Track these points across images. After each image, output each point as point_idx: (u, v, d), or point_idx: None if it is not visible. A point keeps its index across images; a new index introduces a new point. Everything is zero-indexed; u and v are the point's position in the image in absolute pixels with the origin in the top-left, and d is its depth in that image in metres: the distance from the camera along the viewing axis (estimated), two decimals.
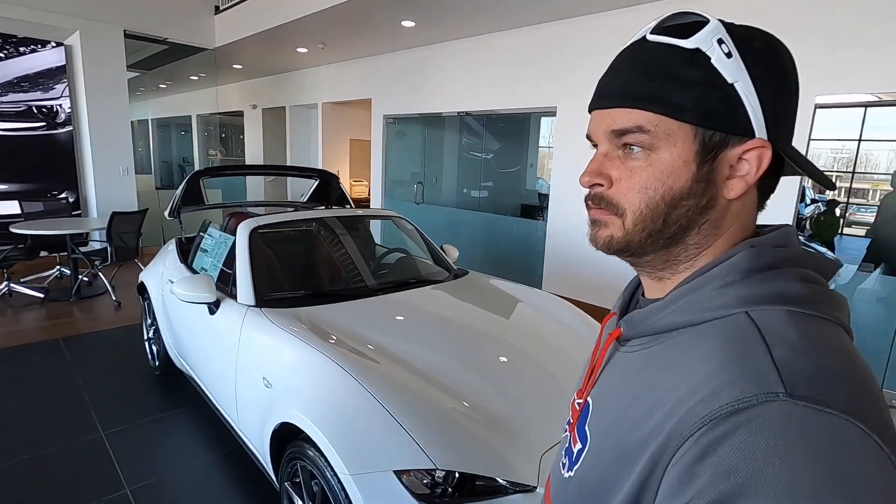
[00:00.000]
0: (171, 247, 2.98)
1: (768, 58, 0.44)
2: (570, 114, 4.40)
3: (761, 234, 0.47)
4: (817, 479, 0.32)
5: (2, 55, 4.97)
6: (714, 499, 0.34)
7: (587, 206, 0.50)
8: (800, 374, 0.36)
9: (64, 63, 5.33)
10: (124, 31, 5.59)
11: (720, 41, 0.43)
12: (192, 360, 2.44)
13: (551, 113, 4.61)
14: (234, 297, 2.10)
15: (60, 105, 5.35)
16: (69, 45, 5.39)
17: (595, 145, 0.49)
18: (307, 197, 3.75)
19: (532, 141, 6.31)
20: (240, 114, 10.15)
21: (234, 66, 7.81)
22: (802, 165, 0.45)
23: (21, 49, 5.08)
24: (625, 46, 0.48)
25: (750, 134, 0.43)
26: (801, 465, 0.32)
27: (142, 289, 3.14)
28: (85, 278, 4.57)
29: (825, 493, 0.31)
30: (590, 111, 0.50)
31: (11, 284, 4.27)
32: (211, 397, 2.25)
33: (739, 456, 0.34)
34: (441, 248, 2.76)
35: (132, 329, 3.79)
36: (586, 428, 0.51)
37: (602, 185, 0.48)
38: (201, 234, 2.65)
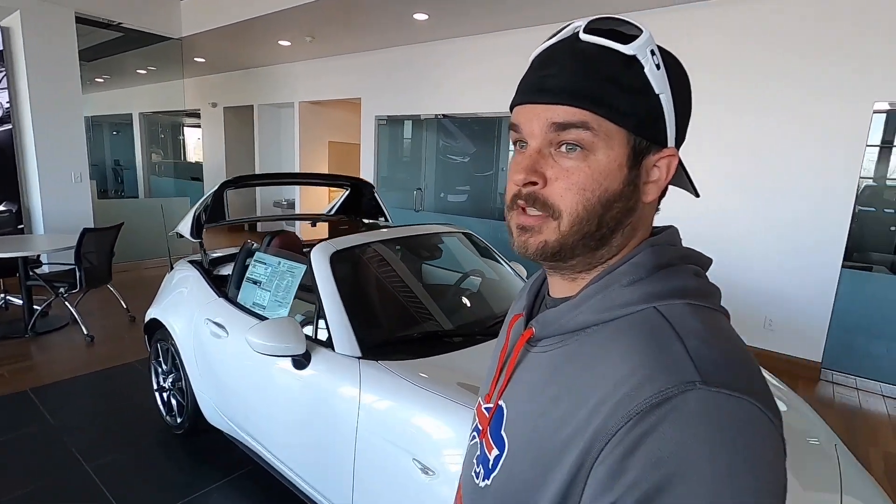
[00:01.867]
0: (190, 273, 2.41)
1: (681, 75, 0.48)
2: None
3: (653, 234, 0.51)
4: (733, 460, 0.36)
5: None
6: (646, 490, 0.36)
7: (514, 208, 0.49)
8: (710, 362, 0.40)
9: (0, 48, 4.43)
10: (76, 13, 4.76)
11: (652, 52, 0.45)
12: (253, 425, 1.92)
13: None
14: (325, 345, 1.65)
15: None
16: (6, 27, 4.49)
17: (519, 141, 0.49)
18: (335, 209, 3.26)
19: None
20: (181, 113, 9.19)
21: (196, 59, 7.00)
22: (686, 173, 0.52)
23: None
24: (551, 42, 0.48)
25: (665, 143, 0.47)
26: (719, 448, 0.36)
27: (150, 327, 2.53)
28: (36, 307, 3.77)
29: (739, 471, 0.36)
30: (516, 105, 0.49)
31: None
32: (295, 476, 1.76)
33: (668, 445, 0.37)
34: (510, 266, 2.40)
35: (118, 373, 3.12)
36: (502, 433, 0.51)
37: (536, 184, 0.47)
38: (250, 260, 2.13)
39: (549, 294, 0.55)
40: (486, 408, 0.57)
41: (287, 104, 7.40)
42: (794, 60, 3.28)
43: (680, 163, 0.49)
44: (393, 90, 5.76)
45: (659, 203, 0.51)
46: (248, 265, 2.14)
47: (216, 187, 2.42)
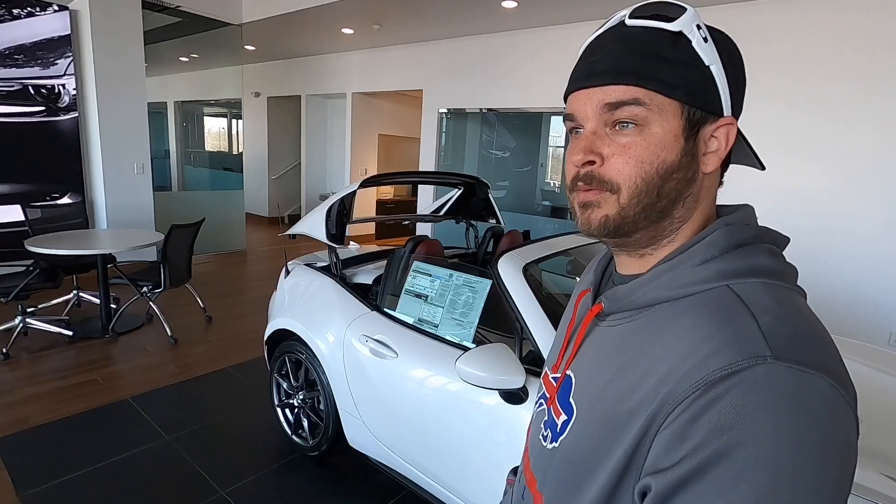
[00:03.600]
0: (323, 281, 2.20)
1: (731, 47, 0.49)
2: None
3: (727, 213, 0.52)
4: (799, 434, 0.36)
5: None
6: (708, 455, 0.37)
7: (574, 189, 0.50)
8: (782, 338, 0.40)
9: (69, 32, 4.23)
10: None
11: (698, 27, 0.46)
12: (428, 455, 1.72)
13: None
14: (535, 374, 1.43)
15: (63, 85, 4.25)
16: (75, 10, 4.29)
17: (574, 129, 0.51)
18: (445, 210, 3.04)
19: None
20: (221, 102, 8.97)
21: (247, 46, 6.77)
22: (749, 145, 0.52)
23: (14, 11, 3.95)
24: (599, 32, 0.50)
25: (720, 112, 0.47)
26: (785, 421, 0.36)
27: (273, 338, 2.33)
28: (112, 305, 3.59)
29: (804, 445, 0.36)
30: (569, 93, 0.51)
31: (28, 319, 3.25)
32: None
33: (733, 414, 0.37)
34: None
35: (217, 380, 2.93)
36: (571, 400, 0.53)
37: (594, 163, 0.48)
38: (413, 271, 1.91)
39: (616, 271, 0.56)
40: (553, 377, 0.60)
41: (337, 95, 7.17)
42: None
43: (742, 136, 0.50)
44: (460, 82, 5.51)
45: (722, 176, 0.52)
46: (397, 273, 1.93)
47: (354, 186, 2.20)
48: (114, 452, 2.20)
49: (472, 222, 3.09)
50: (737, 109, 0.49)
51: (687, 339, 0.43)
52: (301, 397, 2.23)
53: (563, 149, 6.37)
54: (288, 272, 2.51)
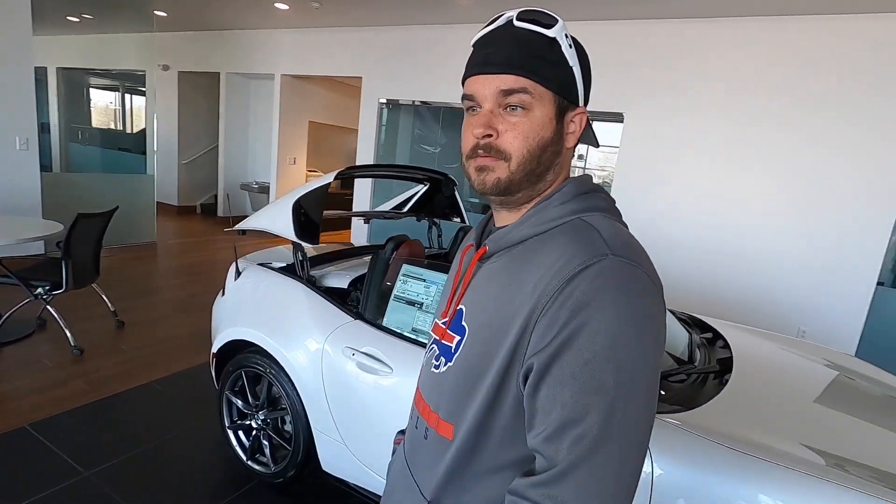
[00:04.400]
0: (290, 285, 1.94)
1: (584, 54, 0.64)
2: (638, 121, 4.11)
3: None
4: (630, 301, 0.53)
5: None
6: (573, 327, 0.52)
7: (473, 156, 0.62)
8: (617, 244, 0.56)
9: None
10: None
11: (566, 35, 0.61)
12: None
13: (616, 119, 4.27)
14: None
15: None
16: None
17: (471, 107, 0.63)
18: (409, 207, 2.85)
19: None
20: (118, 73, 7.87)
21: (157, 12, 5.97)
22: (591, 129, 0.69)
23: None
24: (491, 28, 0.63)
25: (577, 103, 0.63)
26: (621, 294, 0.53)
27: (223, 350, 2.01)
28: None
29: (634, 309, 0.53)
30: (468, 77, 0.63)
31: None
32: None
33: (586, 295, 0.52)
34: None
35: (140, 397, 2.50)
36: (462, 323, 0.64)
37: (491, 136, 0.60)
38: (403, 276, 1.72)
39: (494, 226, 0.70)
40: (442, 322, 0.70)
41: (263, 76, 6.59)
42: (855, 88, 3.40)
43: (588, 121, 0.65)
44: (400, 72, 5.30)
45: (574, 149, 0.66)
46: (382, 277, 1.74)
47: (329, 177, 1.95)
48: (19, 497, 1.76)
49: (436, 220, 2.94)
50: (586, 101, 0.64)
51: (554, 253, 0.57)
52: (262, 418, 1.95)
53: None
54: (239, 273, 2.19)
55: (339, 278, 2.04)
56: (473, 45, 0.64)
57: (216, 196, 7.49)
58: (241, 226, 2.14)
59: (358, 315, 1.77)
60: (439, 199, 2.86)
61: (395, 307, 1.72)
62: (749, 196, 3.79)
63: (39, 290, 2.80)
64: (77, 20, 7.17)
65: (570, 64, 0.61)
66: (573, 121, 0.63)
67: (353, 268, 2.27)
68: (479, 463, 0.61)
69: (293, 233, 1.88)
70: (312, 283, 1.95)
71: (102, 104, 9.41)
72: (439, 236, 2.93)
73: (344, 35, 5.61)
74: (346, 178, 2.13)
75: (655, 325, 0.54)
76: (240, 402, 2.02)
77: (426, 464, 0.68)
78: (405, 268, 1.75)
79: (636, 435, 0.51)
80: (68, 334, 2.86)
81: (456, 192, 2.83)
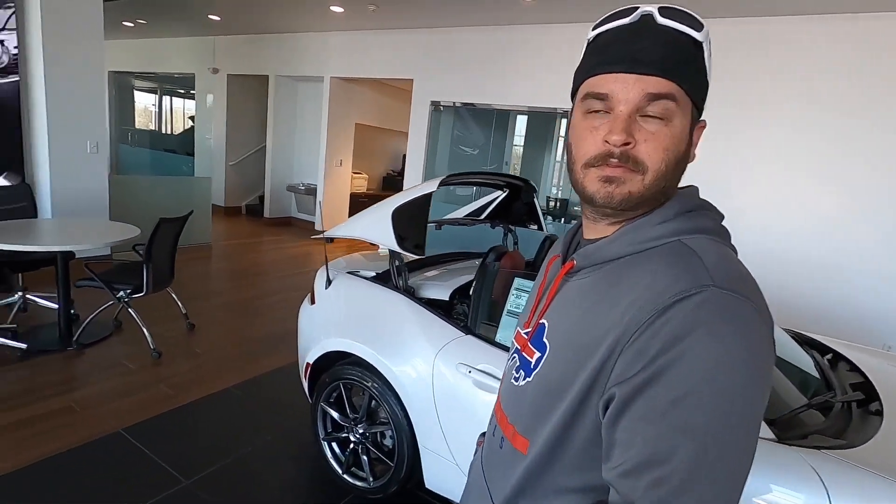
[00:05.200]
0: (389, 296, 1.89)
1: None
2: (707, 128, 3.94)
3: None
4: (733, 339, 0.47)
5: None
6: (664, 361, 0.47)
7: (601, 164, 0.55)
8: (721, 274, 0.50)
9: None
10: None
11: (709, 42, 0.55)
12: None
13: None
14: None
15: (2, 42, 3.50)
16: None
17: (596, 109, 0.55)
18: (487, 213, 2.79)
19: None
20: (168, 77, 8.03)
21: (211, 16, 6.06)
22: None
23: None
24: (627, 21, 0.55)
25: (700, 117, 0.58)
26: (724, 331, 0.47)
27: (320, 365, 1.99)
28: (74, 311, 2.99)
29: (736, 349, 0.46)
30: (603, 73, 0.55)
31: None
32: None
33: (682, 327, 0.47)
34: None
35: (223, 403, 2.51)
36: (544, 339, 0.61)
37: (629, 144, 0.53)
38: (515, 290, 1.66)
39: (583, 238, 0.65)
40: (525, 332, 0.67)
41: (311, 78, 6.63)
42: None
43: None
44: (452, 75, 5.24)
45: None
46: (490, 290, 1.67)
47: (432, 185, 1.89)
48: None
49: (511, 227, 2.87)
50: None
51: (648, 276, 0.52)
52: (360, 431, 1.91)
53: (521, 147, 6.31)
54: (329, 281, 2.16)
55: (437, 289, 1.99)
56: (597, 40, 0.58)
57: (261, 197, 7.58)
58: (330, 233, 2.11)
59: (468, 330, 1.71)
60: (518, 206, 2.79)
61: (508, 323, 1.65)
62: (824, 205, 3.60)
63: (121, 293, 2.84)
64: (132, 25, 7.36)
65: (708, 74, 0.56)
66: (695, 134, 0.58)
67: (442, 275, 2.22)
68: (550, 482, 0.59)
69: (394, 242, 1.83)
70: (412, 294, 1.90)
71: (150, 107, 9.66)
72: (515, 243, 2.86)
73: (396, 37, 5.58)
74: (450, 185, 2.08)
75: (761, 365, 0.48)
76: (336, 414, 1.99)
77: (499, 472, 0.67)
78: (517, 281, 1.68)
79: (727, 485, 0.46)
80: (148, 337, 2.90)
81: (535, 199, 2.75)
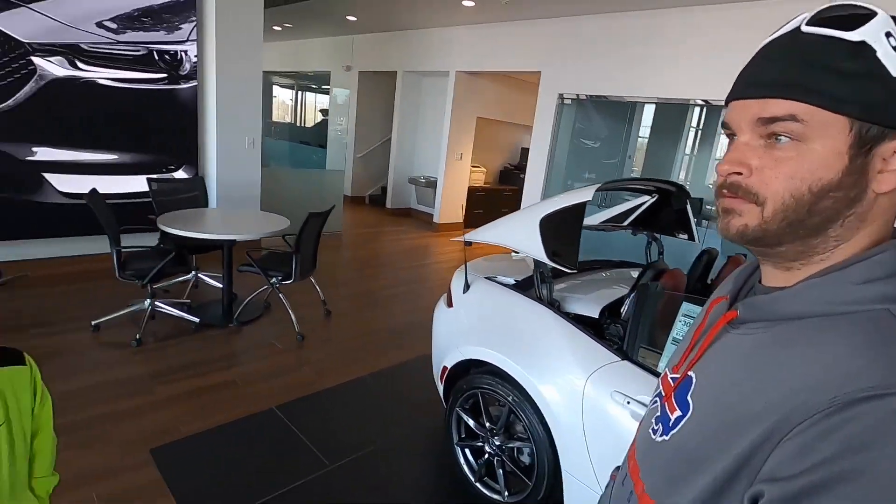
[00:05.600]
0: (539, 312, 1.81)
1: None
2: None
3: None
4: None
5: None
6: (836, 472, 0.36)
7: (719, 196, 0.50)
8: None
9: None
10: None
11: (888, 34, 0.43)
12: None
13: None
14: None
15: (186, 52, 4.02)
16: None
17: (731, 135, 0.50)
18: (632, 219, 2.58)
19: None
20: (306, 75, 8.70)
21: (348, 17, 6.42)
22: None
23: None
24: (773, 37, 0.48)
25: (886, 133, 0.43)
26: None
27: (456, 370, 1.98)
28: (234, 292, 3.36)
29: None
30: (730, 100, 0.50)
31: (156, 302, 3.06)
32: None
33: (869, 437, 0.36)
34: None
35: (358, 391, 2.64)
36: (688, 398, 0.53)
37: (741, 174, 0.47)
38: (683, 315, 1.49)
39: (759, 283, 0.55)
40: (672, 377, 0.60)
41: (436, 73, 6.74)
42: None
43: None
44: (580, 65, 4.96)
45: None
46: (653, 314, 1.51)
47: (588, 193, 1.76)
48: (281, 482, 1.93)
49: (657, 235, 2.62)
50: None
51: (830, 354, 0.42)
52: (497, 443, 1.88)
53: (645, 140, 5.78)
54: (468, 286, 2.14)
55: (584, 304, 1.87)
56: (751, 58, 0.51)
57: (383, 188, 7.95)
58: (471, 237, 2.08)
59: (624, 354, 1.58)
60: (666, 213, 2.54)
61: (672, 352, 1.49)
62: None
63: (274, 279, 3.13)
64: (280, 29, 8.09)
65: (894, 74, 0.42)
66: (876, 157, 0.44)
67: (586, 287, 2.10)
68: None
69: (543, 254, 1.75)
70: (557, 308, 1.81)
71: (287, 101, 10.62)
72: (660, 253, 2.61)
73: (523, 29, 5.43)
74: (608, 190, 1.95)
75: None
76: (471, 422, 1.98)
77: None
78: (685, 307, 1.51)
79: None
80: (294, 320, 3.16)
81: (688, 206, 2.48)
